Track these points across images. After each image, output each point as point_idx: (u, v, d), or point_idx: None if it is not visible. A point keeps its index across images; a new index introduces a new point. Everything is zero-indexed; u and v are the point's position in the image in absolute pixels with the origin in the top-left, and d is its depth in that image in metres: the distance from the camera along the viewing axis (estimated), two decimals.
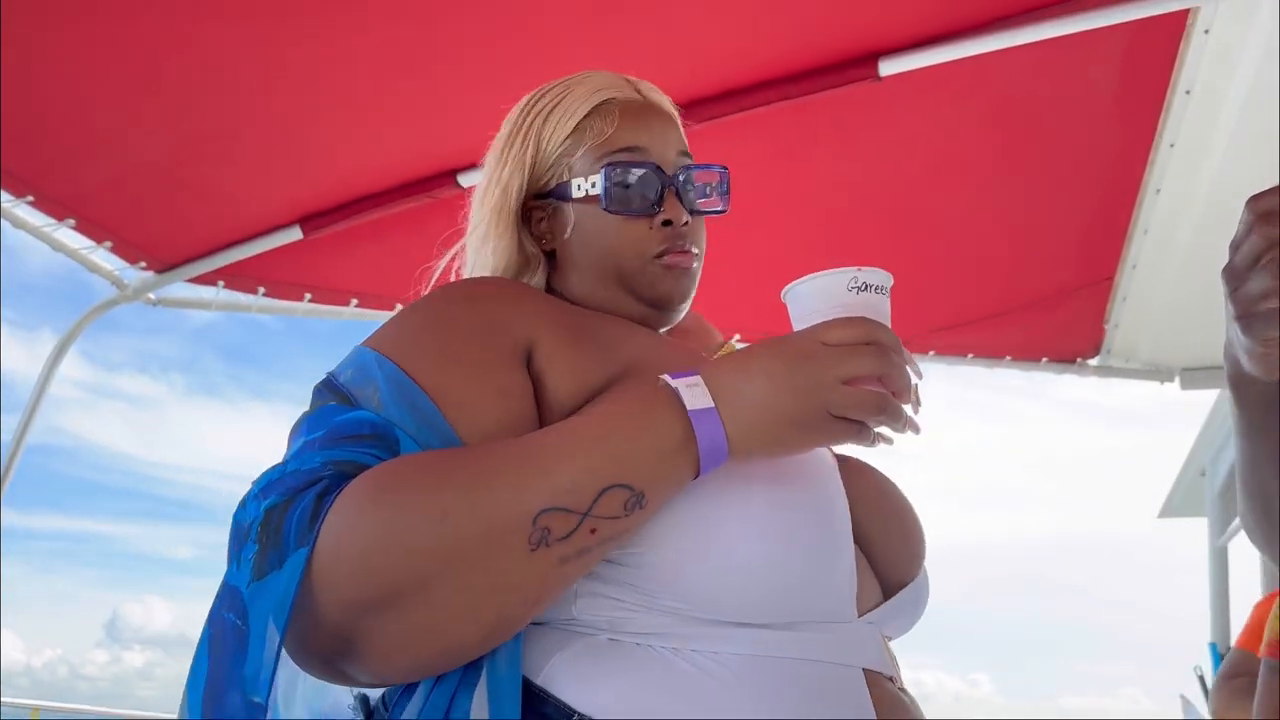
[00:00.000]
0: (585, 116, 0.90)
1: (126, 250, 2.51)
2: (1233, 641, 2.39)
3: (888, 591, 0.81)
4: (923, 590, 0.84)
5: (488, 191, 0.92)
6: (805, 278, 0.75)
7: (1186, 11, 1.94)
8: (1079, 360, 3.19)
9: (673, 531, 0.69)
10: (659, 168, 0.89)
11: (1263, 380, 0.81)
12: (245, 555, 0.62)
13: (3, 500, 2.54)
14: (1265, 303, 0.71)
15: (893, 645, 0.83)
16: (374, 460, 0.66)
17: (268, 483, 0.65)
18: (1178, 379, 3.18)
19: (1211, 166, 2.25)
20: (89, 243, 2.41)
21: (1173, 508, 5.80)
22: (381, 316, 2.77)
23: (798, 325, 0.75)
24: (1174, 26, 1.97)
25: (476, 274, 0.93)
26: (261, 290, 2.72)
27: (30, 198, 2.20)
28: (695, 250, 0.90)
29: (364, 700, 0.74)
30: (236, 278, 2.67)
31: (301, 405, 0.74)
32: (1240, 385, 0.85)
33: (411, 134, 2.24)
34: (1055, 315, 2.99)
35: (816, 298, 0.74)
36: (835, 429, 0.68)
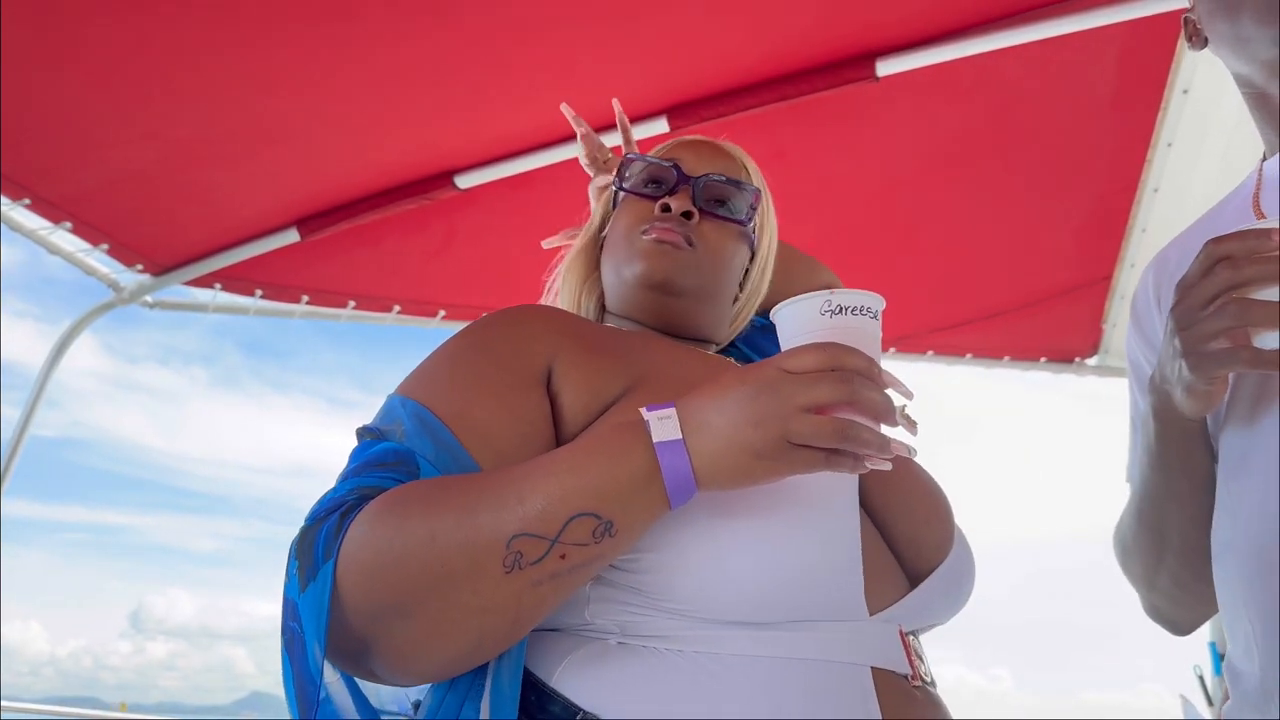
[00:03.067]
0: (655, 152, 1.03)
1: (123, 253, 2.51)
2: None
3: (920, 581, 0.80)
4: (955, 573, 0.83)
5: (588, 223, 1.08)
6: (786, 302, 0.74)
7: (1184, 11, 1.94)
8: (1077, 360, 3.19)
9: (670, 533, 0.71)
10: (680, 169, 0.98)
11: (1190, 418, 0.83)
12: (291, 571, 0.70)
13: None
14: (1216, 342, 0.73)
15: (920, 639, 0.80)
16: (394, 483, 0.72)
17: (311, 512, 0.72)
18: None
19: (1209, 165, 2.25)
20: (85, 245, 2.41)
21: None
22: (378, 318, 2.78)
23: (782, 349, 0.74)
24: (1171, 26, 1.97)
25: (565, 288, 1.06)
26: (259, 292, 2.72)
27: (27, 200, 2.20)
28: (693, 241, 0.96)
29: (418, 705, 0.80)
30: (234, 280, 2.66)
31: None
32: (1166, 419, 0.86)
33: (408, 136, 2.23)
34: (1053, 315, 2.99)
35: (792, 323, 0.73)
36: (799, 459, 0.66)
